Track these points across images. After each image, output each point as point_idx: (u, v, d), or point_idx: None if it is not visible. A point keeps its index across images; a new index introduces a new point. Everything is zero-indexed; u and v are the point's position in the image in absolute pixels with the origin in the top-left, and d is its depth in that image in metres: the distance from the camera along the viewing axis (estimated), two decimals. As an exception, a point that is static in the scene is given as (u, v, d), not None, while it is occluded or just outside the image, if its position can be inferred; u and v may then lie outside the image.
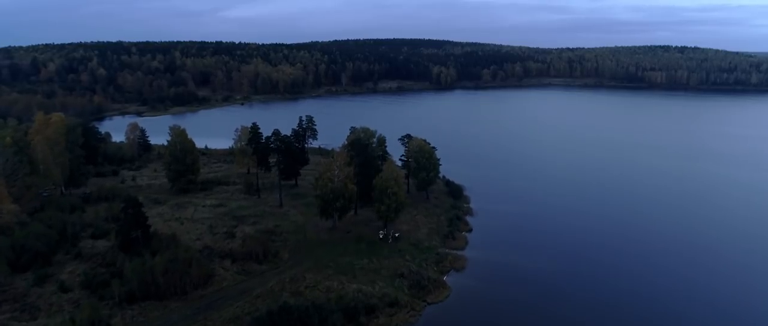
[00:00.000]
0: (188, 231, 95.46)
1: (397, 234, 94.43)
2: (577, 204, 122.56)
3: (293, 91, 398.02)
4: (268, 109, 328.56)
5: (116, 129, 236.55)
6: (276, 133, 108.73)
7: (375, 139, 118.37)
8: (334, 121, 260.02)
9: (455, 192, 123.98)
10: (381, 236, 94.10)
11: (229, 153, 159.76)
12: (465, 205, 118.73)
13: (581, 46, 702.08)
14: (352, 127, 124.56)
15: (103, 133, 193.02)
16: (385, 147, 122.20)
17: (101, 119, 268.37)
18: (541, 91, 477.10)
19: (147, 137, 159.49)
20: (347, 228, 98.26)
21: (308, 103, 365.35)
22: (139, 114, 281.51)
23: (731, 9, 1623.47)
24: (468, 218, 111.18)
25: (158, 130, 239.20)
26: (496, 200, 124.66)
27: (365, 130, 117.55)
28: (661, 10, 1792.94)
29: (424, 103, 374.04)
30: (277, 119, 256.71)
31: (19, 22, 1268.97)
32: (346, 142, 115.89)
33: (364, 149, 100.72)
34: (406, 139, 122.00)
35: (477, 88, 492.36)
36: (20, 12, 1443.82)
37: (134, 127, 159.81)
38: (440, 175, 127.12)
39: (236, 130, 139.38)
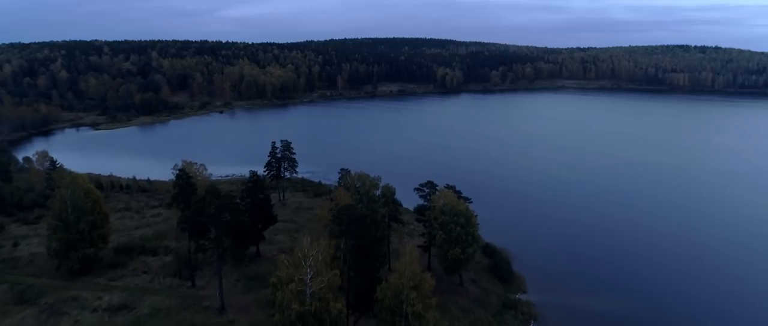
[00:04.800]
0: (38, 384, 51.98)
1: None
2: (688, 283, 79.80)
3: (282, 96, 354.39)
4: (252, 119, 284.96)
5: (60, 148, 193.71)
6: (213, 192, 64.24)
7: (379, 190, 75.20)
8: (326, 135, 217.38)
9: (502, 270, 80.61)
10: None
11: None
12: (521, 298, 75.35)
13: (580, 46, 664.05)
14: (342, 170, 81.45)
15: (20, 160, 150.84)
16: (394, 199, 79.07)
17: (48, 133, 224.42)
18: (556, 95, 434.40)
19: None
20: (331, 373, 54.79)
21: (299, 110, 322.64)
22: (95, 126, 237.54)
23: (730, 9, 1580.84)
24: (532, 327, 68.13)
25: (114, 146, 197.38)
26: (563, 281, 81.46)
27: (363, 178, 74.16)
28: (660, 9, 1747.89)
29: (430, 110, 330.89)
30: (259, 132, 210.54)
31: (16, 21, 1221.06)
32: (332, 197, 72.68)
33: (359, 224, 57.21)
34: (427, 188, 78.31)
35: (485, 91, 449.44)
36: (17, 11, 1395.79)
37: (43, 155, 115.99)
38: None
39: (175, 167, 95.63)
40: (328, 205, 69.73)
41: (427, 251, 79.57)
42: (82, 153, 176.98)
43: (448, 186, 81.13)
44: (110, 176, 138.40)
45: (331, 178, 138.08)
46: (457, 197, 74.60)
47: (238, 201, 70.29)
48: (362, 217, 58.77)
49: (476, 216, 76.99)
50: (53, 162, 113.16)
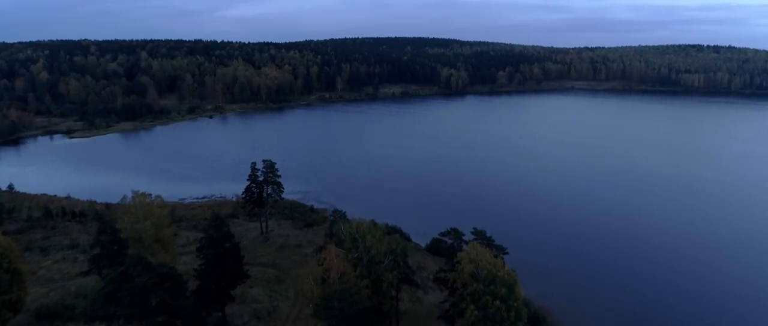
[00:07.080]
0: None
1: None
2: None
3: (278, 99, 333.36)
4: (244, 124, 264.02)
5: (26, 160, 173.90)
6: (140, 263, 43.09)
7: (386, 245, 54.22)
8: (322, 144, 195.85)
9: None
10: None
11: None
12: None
13: (583, 46, 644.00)
14: (334, 213, 60.72)
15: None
16: (405, 254, 58.30)
17: (17, 142, 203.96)
18: (566, 97, 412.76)
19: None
20: None
21: (295, 114, 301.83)
22: (70, 133, 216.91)
23: (732, 8, 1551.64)
24: None
25: (84, 158, 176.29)
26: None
27: (363, 228, 53.27)
28: (662, 9, 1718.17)
29: (435, 114, 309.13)
30: (249, 140, 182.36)
31: (16, 21, 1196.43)
32: (319, 260, 51.91)
33: (358, 322, 36.68)
34: (451, 239, 57.41)
35: (492, 93, 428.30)
36: (18, 11, 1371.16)
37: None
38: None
39: (124, 199, 74.90)
40: (313, 271, 48.95)
41: (449, 323, 58.87)
42: (43, 167, 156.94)
43: (476, 232, 60.38)
44: (67, 198, 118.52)
45: (325, 201, 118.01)
46: (494, 258, 53.62)
47: (179, 274, 48.90)
48: (362, 312, 38.00)
49: (516, 273, 56.22)
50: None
